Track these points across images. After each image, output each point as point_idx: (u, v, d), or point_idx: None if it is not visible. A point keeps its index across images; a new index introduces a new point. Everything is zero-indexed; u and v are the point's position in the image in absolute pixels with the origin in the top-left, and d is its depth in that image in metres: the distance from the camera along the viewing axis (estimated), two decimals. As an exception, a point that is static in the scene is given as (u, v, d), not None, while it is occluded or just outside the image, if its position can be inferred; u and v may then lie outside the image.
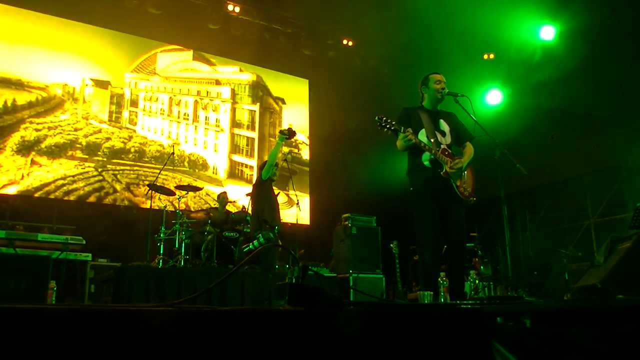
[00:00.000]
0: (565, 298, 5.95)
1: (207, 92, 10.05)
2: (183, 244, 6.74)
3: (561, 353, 1.78)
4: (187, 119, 9.72)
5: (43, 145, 8.14)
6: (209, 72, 10.17)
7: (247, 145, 10.31)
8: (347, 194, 9.91)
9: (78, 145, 8.43)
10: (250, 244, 5.81)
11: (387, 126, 4.19)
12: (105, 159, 8.61)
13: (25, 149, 7.98)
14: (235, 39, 9.83)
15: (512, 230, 9.65)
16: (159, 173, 7.84)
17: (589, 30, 7.70)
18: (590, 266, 4.66)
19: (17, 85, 8.15)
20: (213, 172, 9.76)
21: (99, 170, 8.50)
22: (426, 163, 4.32)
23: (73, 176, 8.25)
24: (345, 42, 10.59)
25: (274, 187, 6.40)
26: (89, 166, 8.43)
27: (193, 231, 7.02)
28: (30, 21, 8.40)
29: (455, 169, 4.25)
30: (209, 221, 7.28)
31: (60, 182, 8.13)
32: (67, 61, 8.63)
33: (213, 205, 8.59)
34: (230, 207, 8.36)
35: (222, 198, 8.15)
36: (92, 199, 8.32)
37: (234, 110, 10.29)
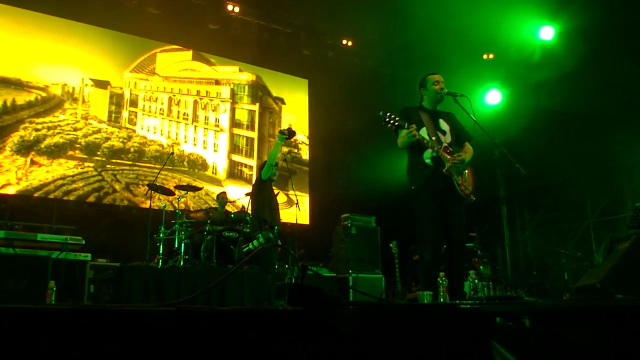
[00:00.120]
0: (565, 298, 5.95)
1: (207, 92, 10.05)
2: (182, 244, 6.72)
3: (560, 353, 1.78)
4: (187, 119, 9.72)
5: (42, 145, 8.13)
6: (209, 72, 10.16)
7: (246, 145, 10.31)
8: (347, 194, 9.90)
9: (77, 145, 8.42)
10: (250, 243, 5.80)
11: (391, 122, 4.17)
12: (104, 159, 8.61)
13: (24, 148, 7.98)
14: (235, 39, 9.83)
15: (512, 230, 9.65)
16: (159, 173, 7.83)
17: (588, 30, 7.71)
18: (590, 266, 4.68)
19: (17, 85, 8.14)
20: (212, 172, 9.76)
21: (99, 170, 8.50)
22: (427, 161, 4.31)
23: (72, 176, 8.24)
24: (344, 42, 10.60)
25: (273, 187, 6.40)
26: (88, 166, 8.42)
27: (192, 231, 7.02)
28: (30, 21, 8.39)
29: (457, 162, 4.25)
30: (209, 221, 7.27)
31: (60, 182, 8.12)
32: (66, 61, 8.62)
33: (212, 205, 8.59)
34: (229, 207, 8.36)
35: (222, 198, 8.15)
36: (91, 198, 8.31)
37: (233, 110, 10.28)
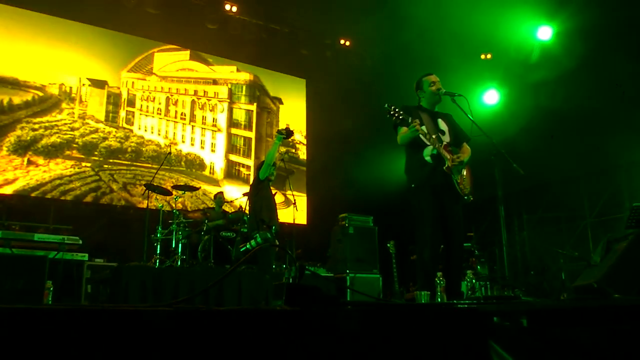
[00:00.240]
0: (562, 298, 5.96)
1: (204, 91, 10.05)
2: (180, 244, 6.72)
3: (558, 353, 1.78)
4: (184, 119, 9.71)
5: (39, 145, 8.12)
6: (206, 72, 10.16)
7: (244, 145, 10.31)
8: (344, 194, 9.90)
9: (75, 145, 8.41)
10: (248, 243, 5.80)
11: (396, 115, 4.18)
12: (101, 159, 8.60)
13: (21, 148, 7.96)
14: (233, 39, 9.83)
15: (509, 230, 9.63)
16: (156, 173, 7.83)
17: (586, 30, 7.71)
18: (587, 266, 4.68)
19: (14, 84, 8.13)
20: (210, 172, 9.75)
21: (96, 170, 8.49)
22: (427, 159, 4.31)
23: (69, 176, 8.23)
24: (342, 42, 10.60)
25: (271, 187, 6.40)
26: (85, 166, 8.41)
27: (190, 231, 7.01)
28: (27, 20, 8.38)
29: (457, 163, 4.26)
30: (206, 221, 7.27)
31: (57, 182, 8.11)
32: (64, 61, 8.61)
33: (210, 205, 8.59)
34: (227, 207, 8.36)
35: (219, 198, 8.15)
36: (88, 198, 8.30)
37: (231, 110, 10.28)
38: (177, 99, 9.73)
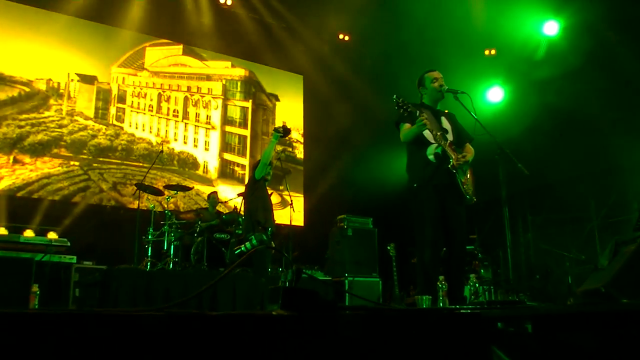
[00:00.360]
0: (568, 302, 5.96)
1: (198, 88, 10.04)
2: (172, 246, 6.73)
3: (564, 359, 1.78)
4: (177, 116, 9.70)
5: (26, 143, 8.10)
6: (200, 68, 10.15)
7: (239, 143, 10.30)
8: (343, 195, 9.91)
9: (63, 143, 8.39)
10: (243, 245, 5.80)
11: (404, 108, 4.18)
12: (91, 157, 8.58)
13: (7, 146, 7.94)
14: (227, 33, 9.84)
15: (513, 232, 9.62)
16: (147, 172, 7.83)
17: (594, 25, 7.71)
18: (594, 269, 4.68)
19: (-1, 80, 8.11)
20: (203, 171, 9.74)
21: (85, 169, 8.47)
22: (430, 157, 4.32)
23: (57, 175, 8.21)
24: (341, 37, 10.60)
25: (267, 187, 6.40)
26: (74, 165, 8.39)
27: (182, 233, 7.01)
28: (13, 13, 8.35)
29: (462, 162, 4.27)
30: (199, 222, 7.27)
31: (44, 181, 8.09)
32: (51, 55, 8.59)
33: (203, 206, 8.58)
34: (221, 208, 8.36)
35: (213, 198, 8.16)
36: (77, 198, 8.28)
37: (225, 107, 10.27)
38: (170, 96, 9.72)
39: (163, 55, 9.80)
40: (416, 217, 4.33)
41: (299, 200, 10.35)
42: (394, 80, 9.46)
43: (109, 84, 9.09)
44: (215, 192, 8.39)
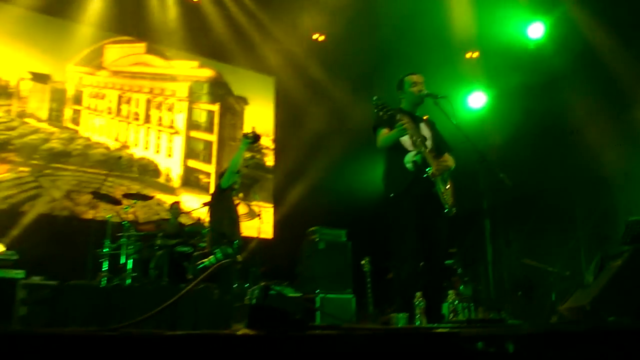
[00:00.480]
0: (552, 321, 6.04)
1: (161, 89, 9.98)
2: (130, 260, 6.66)
3: (547, 381, 1.80)
4: (138, 119, 9.62)
5: (-30, 147, 7.96)
6: (164, 67, 10.09)
7: (204, 149, 10.26)
8: (315, 205, 9.91)
9: (11, 147, 8.24)
10: (207, 260, 5.77)
11: (384, 111, 4.20)
12: (42, 163, 8.44)
13: (-51, 150, 7.78)
14: (194, 31, 9.79)
15: (495, 246, 9.76)
16: (104, 179, 7.74)
17: (581, 27, 7.86)
18: (579, 286, 4.75)
19: (-58, 77, 7.95)
20: (165, 180, 9.67)
21: (35, 175, 8.33)
22: (409, 165, 4.34)
23: (5, 182, 8.06)
24: (315, 36, 10.63)
25: (234, 197, 6.38)
26: (23, 171, 8.25)
27: (141, 245, 6.94)
28: (-41, 5, 8.21)
29: (442, 167, 4.30)
30: (160, 234, 7.20)
31: (-10, 188, 7.94)
32: (1, 51, 8.44)
33: (165, 217, 8.51)
34: (184, 219, 8.30)
35: (175, 208, 8.11)
36: (26, 207, 8.13)
37: (190, 110, 10.23)
38: (131, 97, 9.63)
39: (124, 54, 9.71)
40: (393, 230, 4.34)
41: (268, 211, 10.34)
42: (371, 83, 9.54)
43: (64, 83, 8.97)
44: (177, 202, 8.34)
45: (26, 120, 8.51)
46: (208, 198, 7.22)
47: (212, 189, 9.51)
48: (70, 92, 9.01)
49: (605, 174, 8.24)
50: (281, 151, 11.00)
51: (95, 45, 9.38)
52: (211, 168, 10.18)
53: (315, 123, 10.36)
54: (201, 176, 10.09)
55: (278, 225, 10.42)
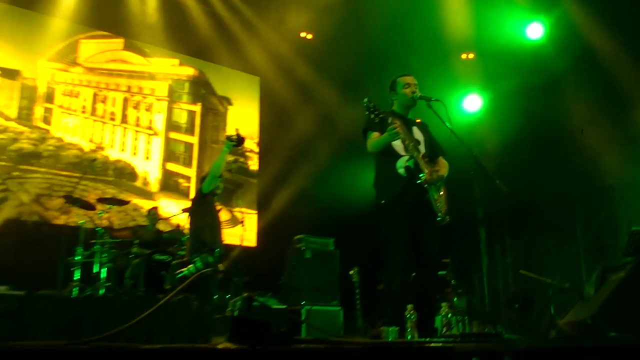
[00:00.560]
0: (551, 336, 6.07)
1: (139, 88, 9.95)
2: (104, 269, 6.61)
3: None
4: (114, 119, 9.58)
5: None
6: (142, 65, 10.07)
7: (185, 152, 10.23)
8: (301, 212, 9.92)
9: (-23, 148, 8.19)
10: (186, 269, 5.74)
11: (375, 113, 4.21)
12: (11, 164, 8.38)
13: None
14: (175, 27, 9.78)
15: (490, 257, 9.82)
16: (78, 183, 7.70)
17: (581, 28, 7.92)
18: (579, 299, 4.77)
19: None
20: (143, 183, 9.62)
21: (3, 177, 8.27)
22: (401, 171, 4.35)
23: (-30, 184, 8.00)
24: (303, 35, 10.65)
25: (216, 203, 6.36)
26: (-10, 173, 8.19)
27: (116, 253, 6.90)
28: None
29: (436, 177, 4.31)
30: (136, 241, 7.17)
31: (-46, 191, 7.88)
32: (-33, 45, 8.40)
33: (141, 223, 8.48)
34: (162, 226, 8.26)
35: (153, 214, 8.09)
36: (-7, 212, 8.08)
37: (170, 110, 10.20)
38: (106, 96, 9.59)
39: (100, 50, 9.67)
40: (384, 239, 4.34)
41: (251, 218, 10.33)
42: (361, 85, 9.56)
43: (35, 80, 8.91)
44: (155, 208, 8.32)
45: (-6, 119, 8.46)
46: (188, 203, 7.22)
47: (192, 194, 9.51)
48: (41, 90, 8.95)
49: (606, 181, 8.30)
50: (266, 155, 10.99)
51: (69, 40, 9.33)
52: (192, 172, 10.15)
53: (302, 125, 10.37)
54: (181, 180, 10.05)
55: (262, 232, 10.40)
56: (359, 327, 7.32)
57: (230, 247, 7.49)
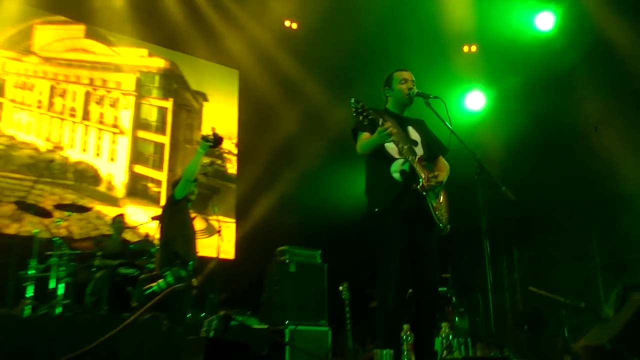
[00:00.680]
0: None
1: (103, 80, 9.92)
2: (61, 284, 6.57)
3: None
4: (74, 116, 9.53)
5: None
6: (107, 55, 10.05)
7: (154, 153, 10.21)
8: (285, 221, 9.92)
9: None
10: (155, 284, 5.73)
11: (364, 114, 4.18)
12: (-44, 166, 8.34)
13: None
14: (145, 13, 9.76)
15: (496, 272, 9.82)
16: (32, 187, 7.64)
17: (596, 18, 7.97)
18: (597, 320, 4.77)
19: None
20: (107, 188, 9.58)
21: (-52, 181, 8.23)
22: (395, 175, 4.33)
23: None
24: (287, 24, 10.65)
25: (190, 210, 6.34)
26: None
27: (76, 266, 6.87)
28: None
29: (434, 183, 4.30)
30: (99, 253, 7.12)
31: None
32: None
33: (105, 232, 8.45)
34: (129, 235, 8.22)
35: (119, 223, 8.06)
36: None
37: (138, 106, 10.19)
38: (66, 89, 9.54)
39: (58, 37, 9.63)
40: (377, 251, 4.32)
41: (229, 227, 10.31)
42: (351, 80, 9.58)
43: (-17, 71, 8.87)
44: (121, 215, 8.29)
45: (-62, 114, 8.42)
46: (158, 211, 7.18)
47: (163, 201, 9.46)
48: (-9, 82, 8.91)
49: (622, 188, 8.33)
50: (246, 157, 10.98)
51: (23, 25, 9.27)
52: (162, 175, 10.12)
53: (285, 124, 10.37)
54: (150, 185, 10.02)
55: (241, 243, 10.40)
56: (349, 350, 7.29)
57: (205, 260, 7.45)
